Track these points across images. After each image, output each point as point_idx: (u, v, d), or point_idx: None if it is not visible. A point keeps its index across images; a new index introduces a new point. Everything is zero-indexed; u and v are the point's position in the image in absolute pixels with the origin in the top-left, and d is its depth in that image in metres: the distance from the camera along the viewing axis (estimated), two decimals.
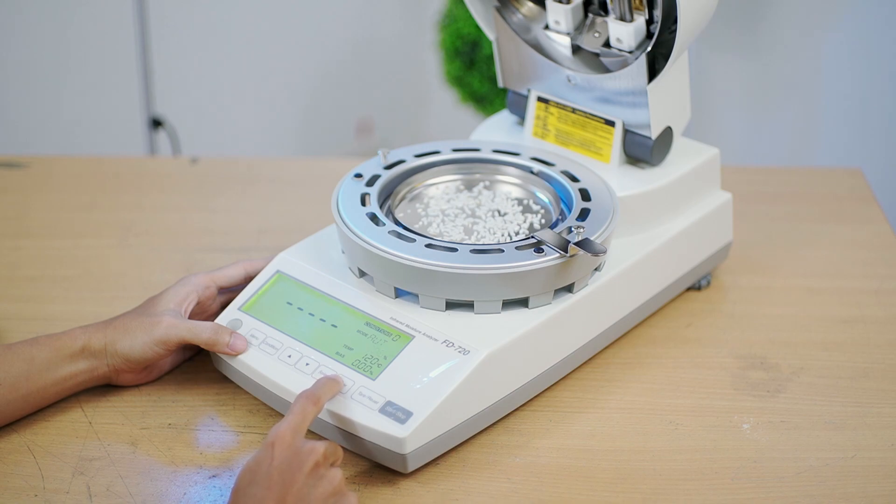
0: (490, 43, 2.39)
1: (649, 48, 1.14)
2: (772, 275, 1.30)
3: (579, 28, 1.21)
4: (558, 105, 1.22)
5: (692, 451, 1.04)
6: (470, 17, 2.52)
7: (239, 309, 1.11)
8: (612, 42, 1.18)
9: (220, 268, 1.15)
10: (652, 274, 1.17)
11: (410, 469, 1.00)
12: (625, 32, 1.16)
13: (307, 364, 1.05)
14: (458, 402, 1.01)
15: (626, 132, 1.19)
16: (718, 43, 2.55)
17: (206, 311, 1.14)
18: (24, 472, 1.02)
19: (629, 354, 1.17)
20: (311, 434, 1.04)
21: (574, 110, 1.21)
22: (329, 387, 1.00)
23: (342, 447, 0.99)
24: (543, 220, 1.14)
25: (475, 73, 2.57)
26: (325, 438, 1.03)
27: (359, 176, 1.15)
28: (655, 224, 1.18)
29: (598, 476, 1.02)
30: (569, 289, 1.08)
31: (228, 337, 1.07)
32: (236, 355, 1.07)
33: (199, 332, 1.07)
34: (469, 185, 1.20)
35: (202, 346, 1.08)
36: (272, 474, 0.90)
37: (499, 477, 1.02)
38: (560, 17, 1.20)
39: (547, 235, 1.05)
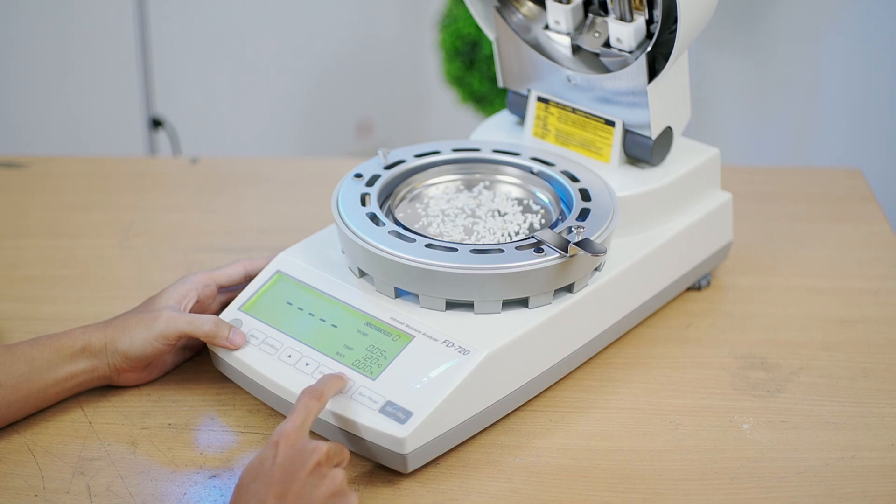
0: (490, 43, 2.38)
1: (649, 48, 1.14)
2: (772, 275, 1.30)
3: (579, 28, 1.21)
4: (558, 105, 1.22)
5: (692, 451, 1.04)
6: (470, 17, 2.52)
7: (239, 309, 1.11)
8: (612, 42, 1.18)
9: (220, 267, 1.15)
10: (652, 274, 1.17)
11: (410, 469, 1.00)
12: (625, 32, 1.16)
13: (307, 364, 1.05)
14: (458, 402, 1.01)
15: (626, 132, 1.19)
16: (718, 43, 2.54)
17: (206, 310, 1.14)
18: (24, 472, 1.02)
19: (629, 354, 1.17)
20: (312, 435, 1.04)
21: (574, 110, 1.21)
22: (333, 383, 1.00)
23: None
24: (543, 220, 1.14)
25: (475, 73, 2.57)
26: (327, 439, 1.03)
27: (359, 176, 1.15)
28: (655, 224, 1.18)
29: (598, 476, 1.02)
30: (569, 289, 1.08)
31: (228, 331, 1.08)
32: (235, 349, 1.08)
33: (200, 325, 1.07)
34: (469, 185, 1.20)
35: (202, 339, 1.07)
36: (274, 471, 0.90)
37: (499, 477, 1.02)
38: (560, 17, 1.20)
39: (547, 235, 1.05)
